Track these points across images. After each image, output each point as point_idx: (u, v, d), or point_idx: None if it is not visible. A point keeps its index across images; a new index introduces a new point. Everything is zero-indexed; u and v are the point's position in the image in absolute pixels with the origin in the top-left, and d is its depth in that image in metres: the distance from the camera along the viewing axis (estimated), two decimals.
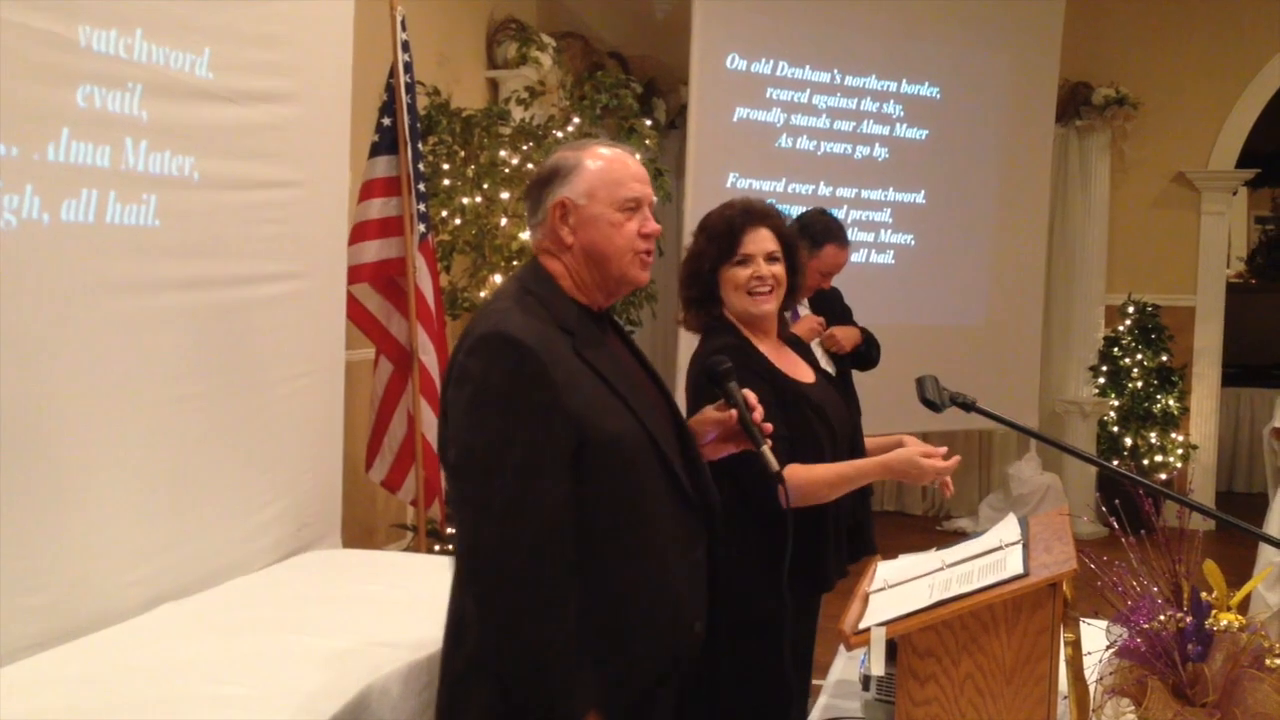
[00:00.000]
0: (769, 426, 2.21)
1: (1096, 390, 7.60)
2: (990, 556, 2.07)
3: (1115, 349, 7.55)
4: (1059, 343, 7.70)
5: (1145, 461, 7.39)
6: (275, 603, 2.87)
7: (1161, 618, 1.92)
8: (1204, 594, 1.96)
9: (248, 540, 3.15)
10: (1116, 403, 7.51)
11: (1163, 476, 7.35)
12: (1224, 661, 1.90)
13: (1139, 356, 7.47)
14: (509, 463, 1.81)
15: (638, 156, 2.10)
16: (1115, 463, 7.41)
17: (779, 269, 2.67)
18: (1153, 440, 7.44)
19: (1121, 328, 7.57)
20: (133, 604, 2.71)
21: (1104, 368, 7.59)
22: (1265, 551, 4.57)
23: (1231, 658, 1.91)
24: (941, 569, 2.12)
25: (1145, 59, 7.50)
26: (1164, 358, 7.50)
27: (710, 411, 2.24)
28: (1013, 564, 1.96)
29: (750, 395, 2.21)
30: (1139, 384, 7.47)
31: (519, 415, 1.83)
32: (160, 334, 2.81)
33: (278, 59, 3.19)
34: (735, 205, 2.71)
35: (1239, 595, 2.03)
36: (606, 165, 2.02)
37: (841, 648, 2.47)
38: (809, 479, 2.51)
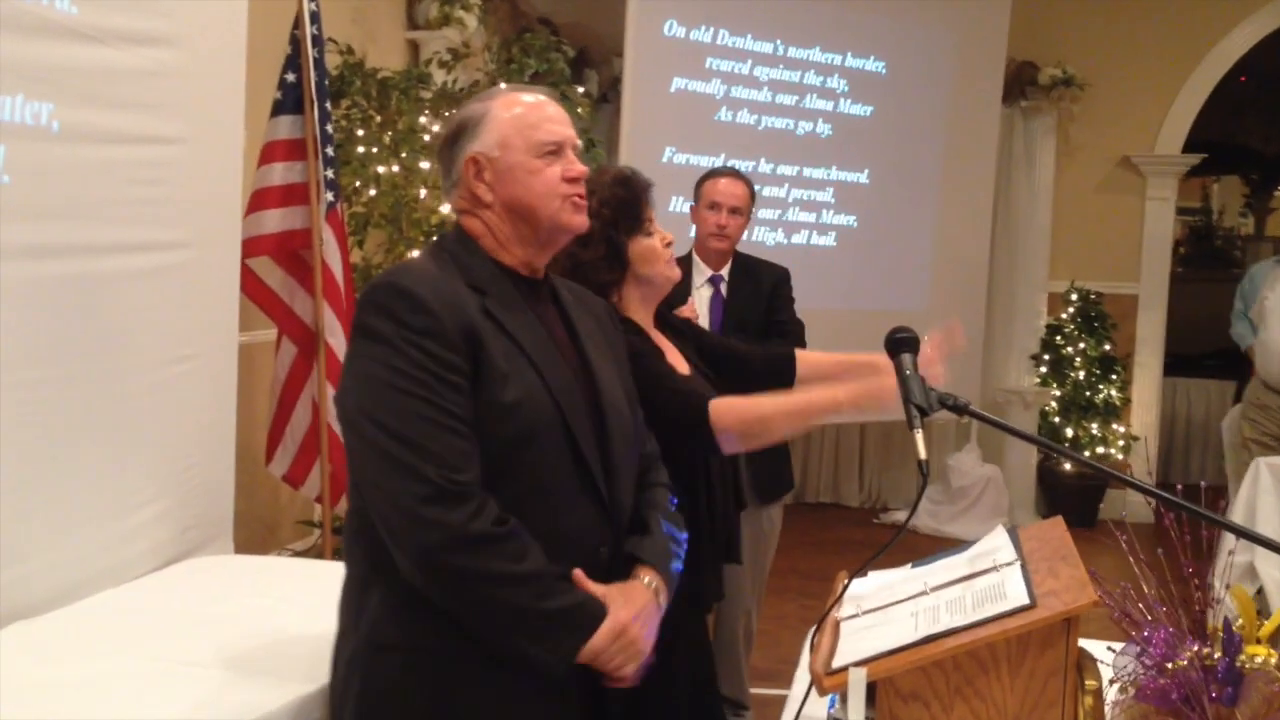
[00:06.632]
0: None
1: (1038, 380, 7.40)
2: (983, 580, 1.76)
3: (1058, 337, 7.35)
4: (1001, 330, 7.50)
5: (1086, 453, 7.21)
6: (147, 620, 2.47)
7: (1187, 655, 1.64)
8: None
9: (119, 546, 2.74)
10: (1058, 392, 7.32)
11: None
12: (1259, 704, 1.63)
13: (1081, 345, 7.28)
14: (388, 383, 1.67)
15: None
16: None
17: None
18: (1094, 431, 7.26)
19: (1064, 315, 7.38)
20: None
21: (1046, 356, 7.39)
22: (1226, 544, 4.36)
23: (1267, 700, 1.63)
24: (925, 593, 1.81)
25: (1093, 39, 7.28)
26: (1106, 347, 7.32)
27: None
28: (1014, 591, 1.66)
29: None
30: (1081, 374, 7.28)
31: (399, 353, 1.68)
32: (6, 308, 2.40)
33: None
34: (622, 170, 2.44)
35: (1269, 625, 1.75)
36: (518, 111, 1.87)
37: (799, 674, 2.18)
38: (762, 413, 2.21)
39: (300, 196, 3.67)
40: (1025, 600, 1.61)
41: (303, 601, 2.58)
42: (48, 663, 2.19)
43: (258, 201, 3.64)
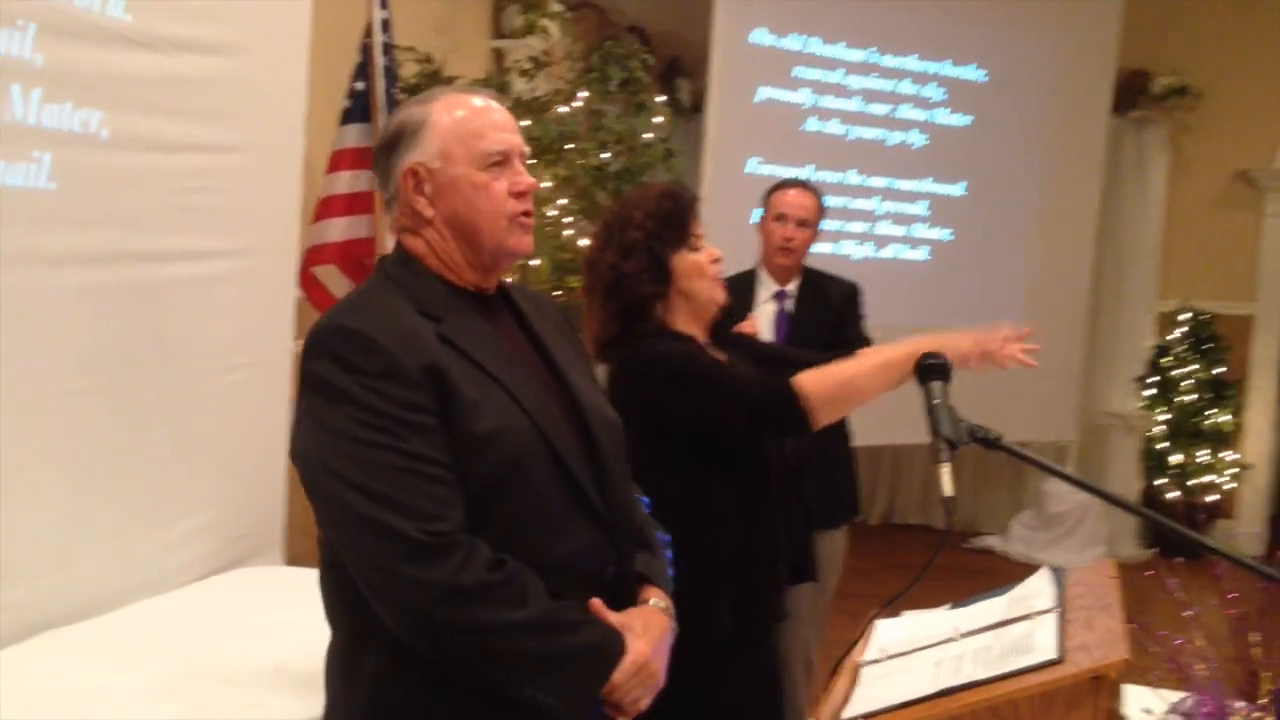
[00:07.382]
0: None
1: (1143, 403, 7.06)
2: (1016, 628, 1.63)
3: (1165, 359, 7.01)
4: (1104, 351, 7.17)
5: (1192, 482, 6.86)
6: (172, 631, 2.46)
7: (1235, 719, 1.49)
8: None
9: (163, 555, 2.75)
10: (1165, 417, 6.97)
11: (1215, 498, 6.83)
12: None
13: (1193, 367, 6.93)
14: (350, 436, 1.53)
15: (492, 104, 1.75)
16: (1160, 482, 6.91)
17: None
18: (1202, 459, 6.90)
19: (1173, 336, 7.03)
20: (9, 631, 2.32)
21: (1152, 379, 7.05)
22: None
23: None
24: (954, 639, 1.69)
25: (1210, 47, 6.92)
26: (1218, 370, 6.96)
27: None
28: (1043, 644, 1.52)
29: None
30: (1190, 398, 6.93)
31: (355, 402, 1.54)
32: (56, 315, 2.42)
33: (214, 2, 2.79)
34: (671, 184, 2.43)
35: None
36: (460, 115, 1.69)
37: None
38: (844, 375, 2.19)
39: (365, 205, 3.66)
40: (1052, 655, 1.48)
41: None
42: (61, 673, 2.19)
43: (324, 209, 3.65)
